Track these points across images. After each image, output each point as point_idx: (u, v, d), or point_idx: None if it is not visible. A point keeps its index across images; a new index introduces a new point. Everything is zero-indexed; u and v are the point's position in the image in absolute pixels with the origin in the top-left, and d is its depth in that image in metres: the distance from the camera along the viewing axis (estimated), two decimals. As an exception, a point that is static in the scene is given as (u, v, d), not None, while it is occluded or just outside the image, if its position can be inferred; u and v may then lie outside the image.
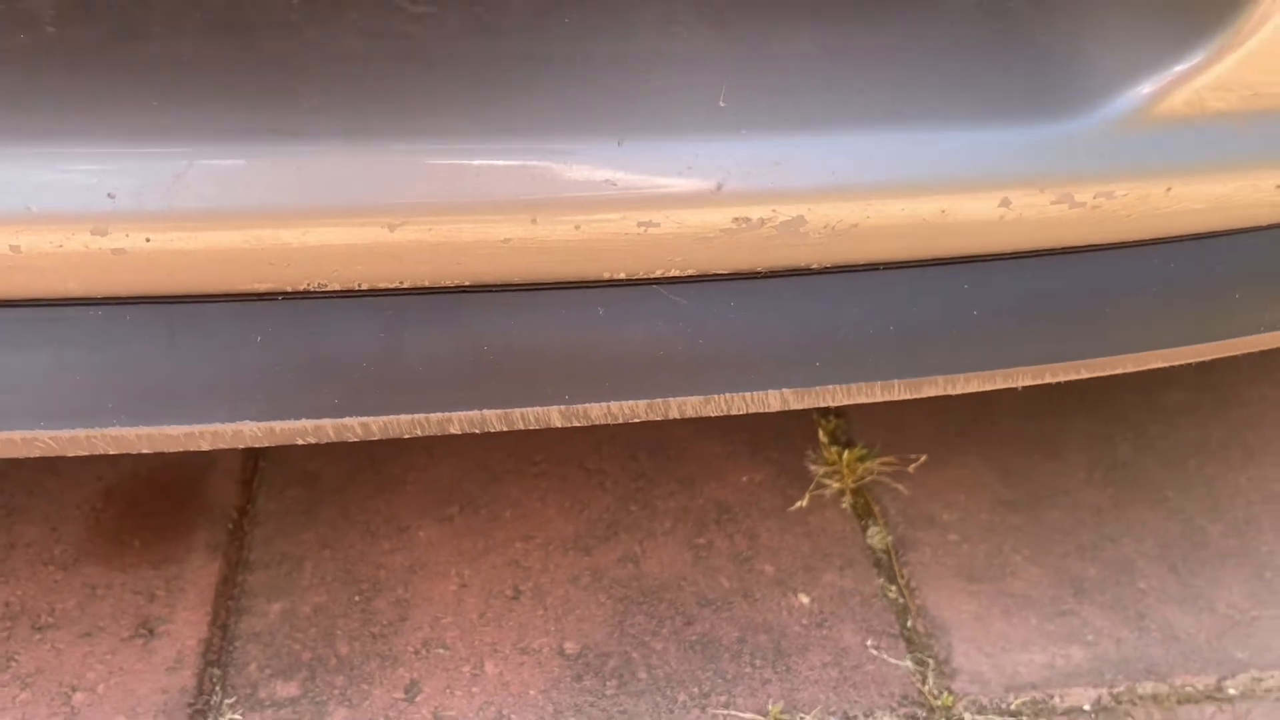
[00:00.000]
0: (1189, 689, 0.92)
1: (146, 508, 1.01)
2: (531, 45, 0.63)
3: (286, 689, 0.87)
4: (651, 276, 0.66)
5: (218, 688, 0.86)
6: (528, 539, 1.01)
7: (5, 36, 0.59)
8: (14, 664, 0.87)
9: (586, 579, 0.97)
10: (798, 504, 1.06)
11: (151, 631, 0.90)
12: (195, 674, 0.87)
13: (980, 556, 1.02)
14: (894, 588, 0.99)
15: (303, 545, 0.99)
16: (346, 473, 1.06)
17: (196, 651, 0.89)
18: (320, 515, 1.01)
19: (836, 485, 1.08)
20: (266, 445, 0.64)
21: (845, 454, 1.09)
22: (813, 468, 1.10)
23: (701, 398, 0.68)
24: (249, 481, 1.05)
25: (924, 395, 0.72)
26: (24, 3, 0.61)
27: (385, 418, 0.64)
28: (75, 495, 1.01)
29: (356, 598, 0.94)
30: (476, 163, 0.61)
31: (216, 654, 0.89)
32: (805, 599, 0.97)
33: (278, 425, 0.63)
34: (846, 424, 1.14)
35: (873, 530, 1.04)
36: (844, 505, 1.06)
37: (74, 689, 0.85)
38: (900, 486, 1.08)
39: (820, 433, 1.13)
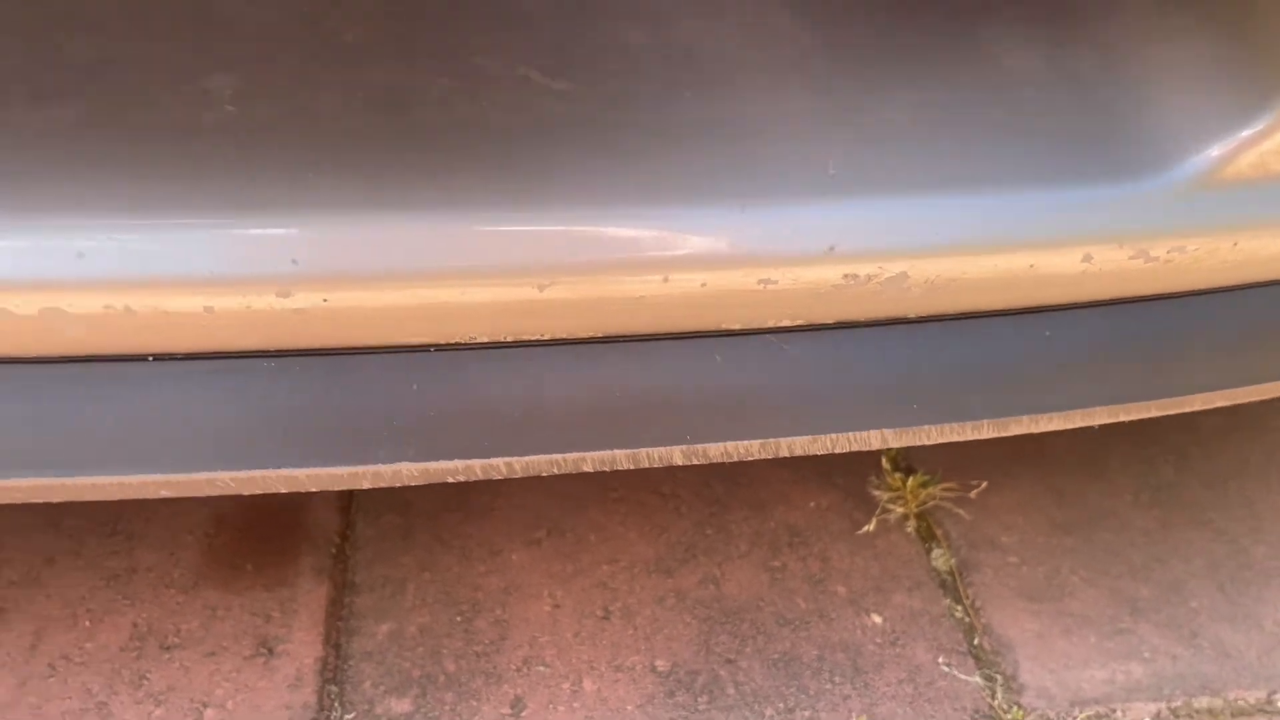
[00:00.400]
0: (1241, 703, 0.97)
1: (255, 533, 1.07)
2: (661, 118, 0.70)
3: (400, 705, 0.93)
4: (765, 326, 0.72)
5: (336, 704, 0.93)
6: (613, 562, 1.07)
7: (193, 116, 0.65)
8: (146, 681, 0.93)
9: (671, 600, 1.03)
10: (865, 528, 1.12)
11: (271, 650, 0.96)
12: (315, 691, 0.93)
13: (1039, 577, 1.08)
14: (960, 608, 1.05)
15: (403, 568, 1.05)
16: (437, 499, 1.12)
17: (314, 670, 0.95)
18: (417, 540, 1.08)
19: (900, 510, 1.14)
20: (420, 484, 0.70)
21: (909, 480, 1.15)
22: (877, 493, 1.16)
23: (809, 438, 0.74)
24: (347, 508, 1.11)
25: (1009, 434, 0.78)
26: (207, 82, 0.67)
27: (527, 458, 0.71)
28: (188, 521, 1.07)
29: (458, 618, 1.00)
30: (616, 228, 0.67)
31: (333, 672, 0.95)
32: (878, 619, 1.03)
33: (432, 465, 0.69)
34: (907, 451, 1.21)
35: (936, 553, 1.10)
36: (908, 529, 1.12)
37: (205, 705, 0.91)
38: (961, 511, 1.14)
39: (883, 460, 1.19)
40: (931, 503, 1.15)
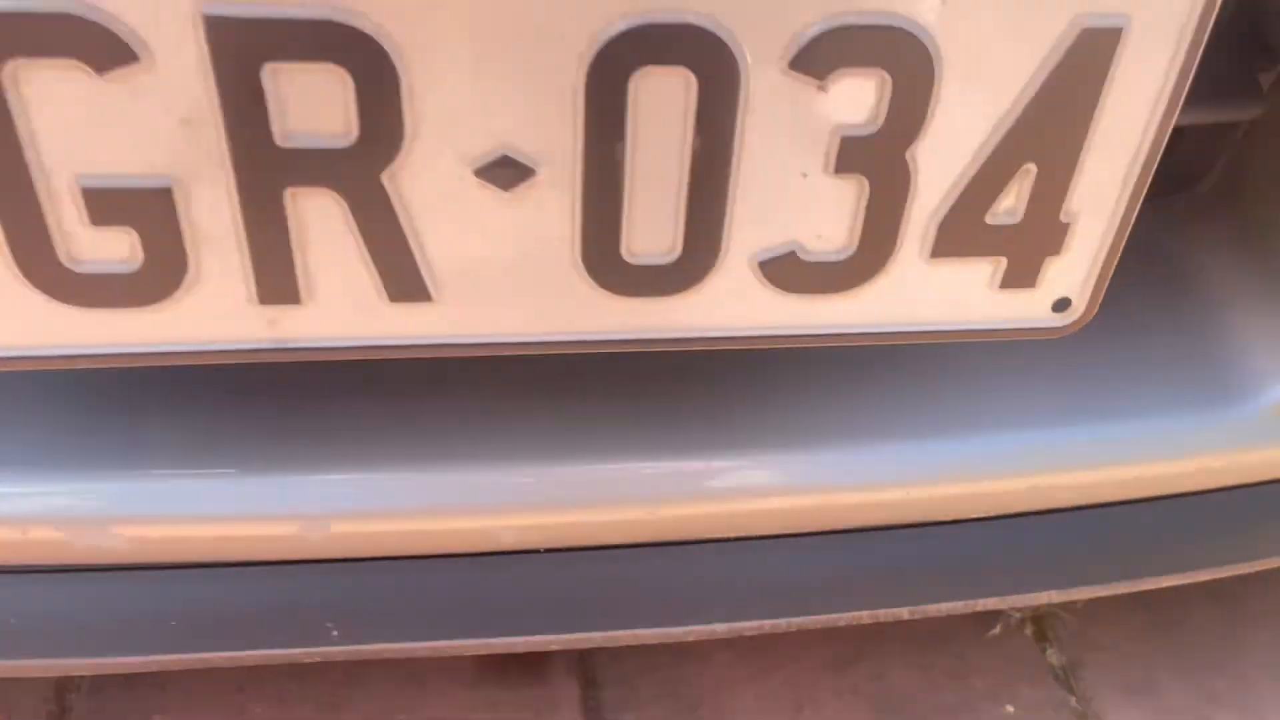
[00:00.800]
0: (1302, 778, 1.25)
1: (512, 639, 1.34)
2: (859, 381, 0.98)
3: (653, 782, 1.20)
4: (968, 517, 1.00)
5: (603, 781, 1.20)
6: (796, 661, 1.34)
7: (519, 394, 0.93)
8: (457, 764, 1.20)
9: (849, 695, 1.31)
10: (993, 631, 1.39)
11: (546, 738, 1.24)
12: (586, 771, 1.21)
13: (1136, 672, 1.35)
14: (1073, 699, 1.32)
15: (633, 668, 1.32)
16: (647, 607, 1.40)
17: (582, 753, 1.22)
18: (640, 643, 1.35)
19: (1019, 614, 1.41)
20: (724, 638, 0.97)
21: (1026, 591, 1.42)
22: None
23: (999, 598, 1.02)
24: (577, 615, 1.38)
25: (1138, 590, 1.06)
26: (540, 368, 0.95)
27: (801, 618, 0.98)
28: (460, 630, 1.35)
29: (685, 710, 1.28)
30: (859, 456, 0.95)
31: (596, 755, 1.22)
32: (1011, 708, 1.30)
33: (736, 625, 0.97)
34: (1020, 564, 1.48)
35: (1050, 652, 1.38)
36: (1026, 631, 1.40)
37: (506, 783, 1.19)
38: (1067, 616, 1.42)
39: (1002, 572, 1.46)
40: (1044, 609, 1.42)
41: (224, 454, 0.85)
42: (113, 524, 0.84)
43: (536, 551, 0.93)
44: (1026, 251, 0.72)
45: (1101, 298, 0.77)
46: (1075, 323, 0.77)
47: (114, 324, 0.67)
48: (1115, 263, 0.74)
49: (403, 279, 0.67)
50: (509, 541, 0.91)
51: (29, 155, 0.59)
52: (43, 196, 0.61)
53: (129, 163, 0.60)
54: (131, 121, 0.59)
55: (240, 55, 0.57)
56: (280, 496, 0.86)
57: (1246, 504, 1.06)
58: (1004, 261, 0.73)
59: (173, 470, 0.85)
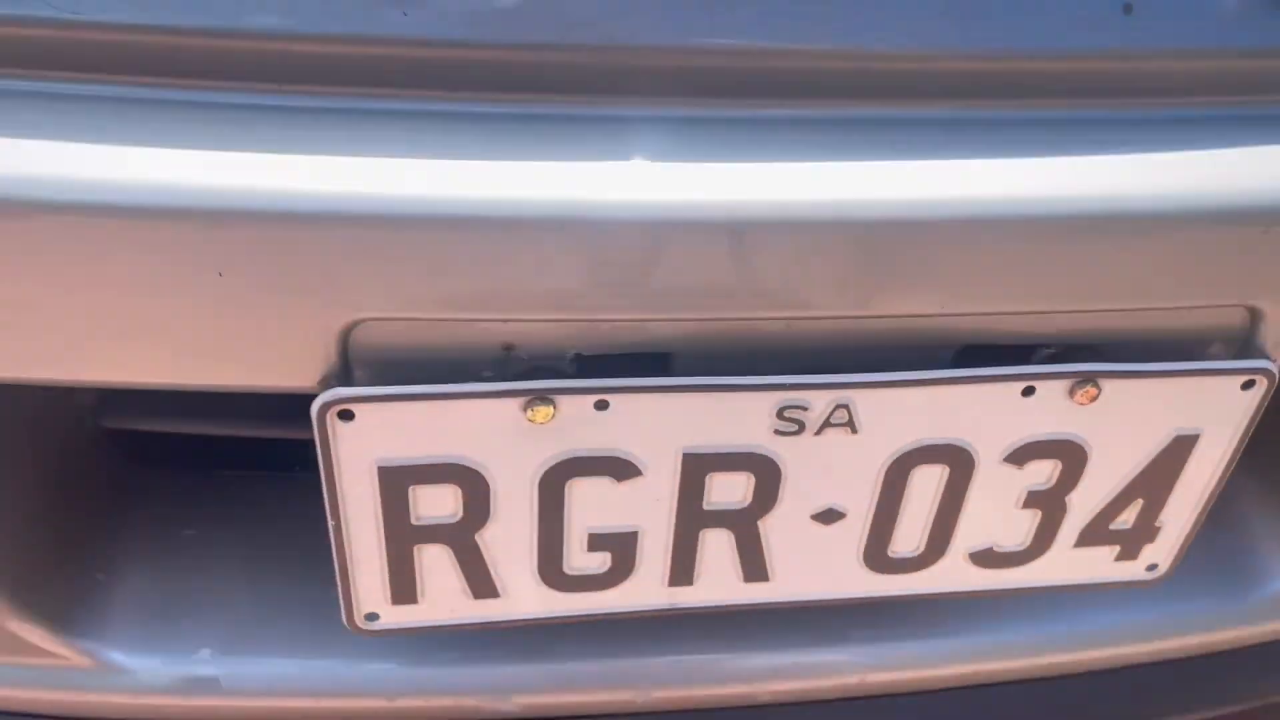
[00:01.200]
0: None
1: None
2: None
3: None
4: (1073, 673, 1.42)
5: None
6: (918, 754, 1.76)
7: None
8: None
9: (961, 781, 1.73)
10: None
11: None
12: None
13: (1176, 763, 1.77)
14: (1130, 784, 1.74)
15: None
16: None
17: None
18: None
19: None
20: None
21: (1091, 698, 1.85)
22: (1070, 704, 1.85)
23: (1091, 729, 1.44)
24: None
25: (1188, 720, 1.48)
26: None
27: None
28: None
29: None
30: (990, 639, 1.37)
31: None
32: (1084, 792, 1.72)
33: None
34: (1084, 673, 1.90)
35: (1111, 746, 1.80)
36: (1092, 729, 1.82)
37: None
38: None
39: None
40: None
41: (577, 648, 1.27)
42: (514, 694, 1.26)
43: (782, 705, 1.35)
44: (1133, 542, 1.15)
45: (1180, 561, 1.19)
46: (1160, 578, 1.19)
47: (581, 600, 1.09)
48: (1190, 543, 1.17)
49: (754, 570, 1.09)
50: (764, 699, 1.33)
51: (564, 520, 1.01)
52: (565, 540, 1.03)
53: (617, 519, 1.03)
54: (625, 502, 1.01)
55: (697, 469, 0.99)
56: (611, 675, 1.28)
57: (1259, 660, 1.48)
58: (1118, 548, 1.15)
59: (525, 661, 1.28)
